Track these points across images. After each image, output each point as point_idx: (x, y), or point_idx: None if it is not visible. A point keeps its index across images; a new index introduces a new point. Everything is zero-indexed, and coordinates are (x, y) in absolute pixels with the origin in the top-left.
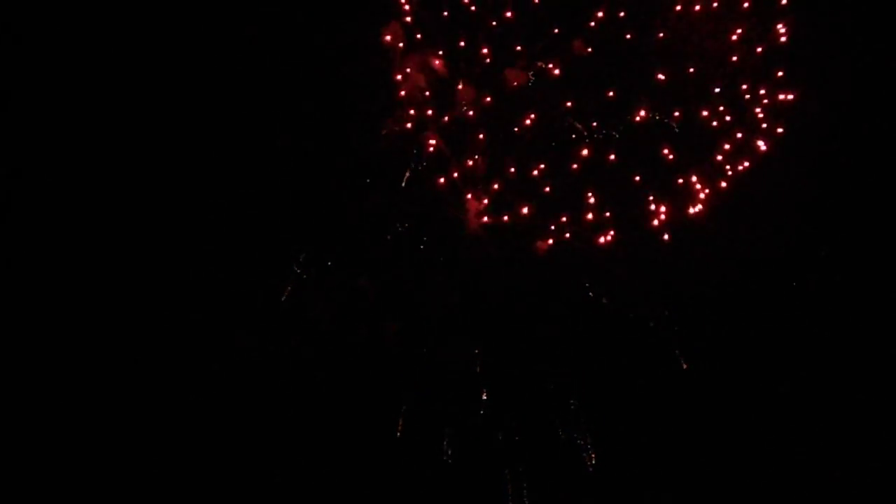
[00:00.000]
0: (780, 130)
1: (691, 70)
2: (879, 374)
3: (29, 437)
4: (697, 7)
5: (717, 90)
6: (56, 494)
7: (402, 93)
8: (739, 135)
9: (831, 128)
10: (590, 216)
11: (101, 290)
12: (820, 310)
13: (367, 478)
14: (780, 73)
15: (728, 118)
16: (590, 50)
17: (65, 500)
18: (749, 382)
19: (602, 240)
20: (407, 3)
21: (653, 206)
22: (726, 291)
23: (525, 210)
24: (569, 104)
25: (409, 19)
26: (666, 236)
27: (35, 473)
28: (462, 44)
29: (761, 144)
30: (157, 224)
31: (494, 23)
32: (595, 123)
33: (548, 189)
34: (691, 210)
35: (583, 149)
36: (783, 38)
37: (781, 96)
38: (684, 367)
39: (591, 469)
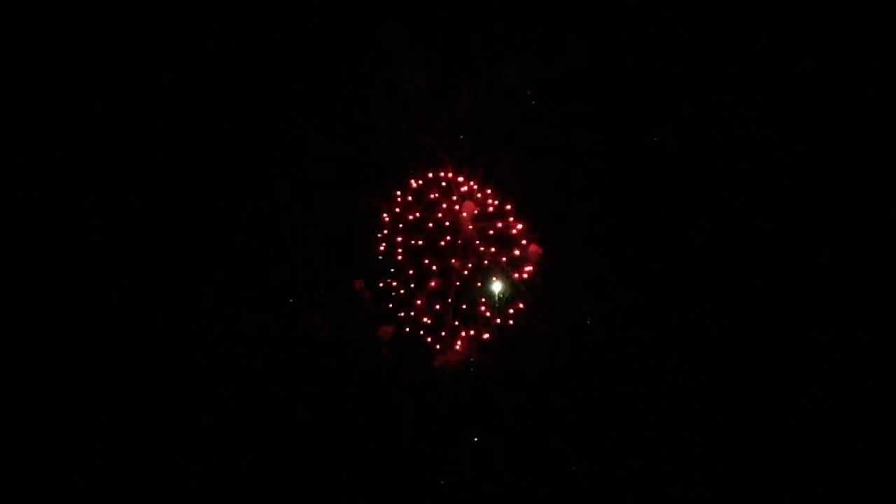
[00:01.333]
0: None
1: None
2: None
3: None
4: None
5: None
6: (55, 494)
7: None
8: None
9: None
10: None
11: (99, 292)
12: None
13: (362, 488)
14: None
15: None
16: None
17: (64, 500)
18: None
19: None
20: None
21: None
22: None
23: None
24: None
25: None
26: None
27: (34, 473)
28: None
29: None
30: (154, 227)
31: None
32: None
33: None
34: None
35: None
36: None
37: None
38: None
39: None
